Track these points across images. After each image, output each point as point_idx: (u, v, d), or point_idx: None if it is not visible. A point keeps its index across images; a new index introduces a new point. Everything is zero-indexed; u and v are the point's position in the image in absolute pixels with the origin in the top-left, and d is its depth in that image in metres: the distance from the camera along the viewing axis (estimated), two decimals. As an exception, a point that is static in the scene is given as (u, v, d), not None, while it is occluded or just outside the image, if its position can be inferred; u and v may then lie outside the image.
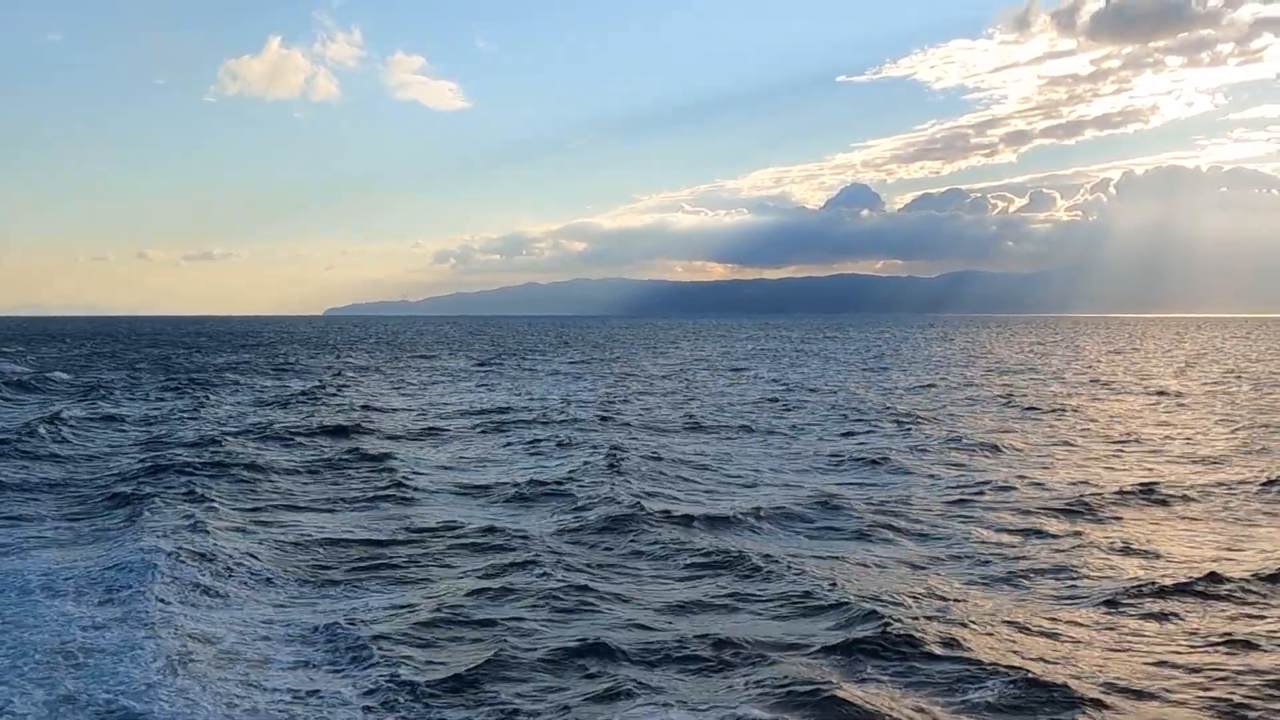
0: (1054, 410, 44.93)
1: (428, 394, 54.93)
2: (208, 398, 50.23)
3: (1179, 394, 53.54)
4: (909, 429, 37.93)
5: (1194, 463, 29.77)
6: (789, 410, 45.17)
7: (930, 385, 60.20)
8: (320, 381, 62.00)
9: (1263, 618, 14.93)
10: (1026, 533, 20.52)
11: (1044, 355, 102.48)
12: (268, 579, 17.10)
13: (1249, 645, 13.70)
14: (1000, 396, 51.56)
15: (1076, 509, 22.67)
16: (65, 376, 65.07)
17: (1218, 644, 13.77)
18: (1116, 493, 24.29)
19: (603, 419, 40.95)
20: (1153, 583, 16.48)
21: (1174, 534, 20.51)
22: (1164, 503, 23.38)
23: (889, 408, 45.77)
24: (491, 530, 20.56)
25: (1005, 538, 20.15)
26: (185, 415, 42.32)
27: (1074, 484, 25.82)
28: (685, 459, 30.28)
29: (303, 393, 53.67)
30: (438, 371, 75.54)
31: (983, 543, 19.83)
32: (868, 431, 37.52)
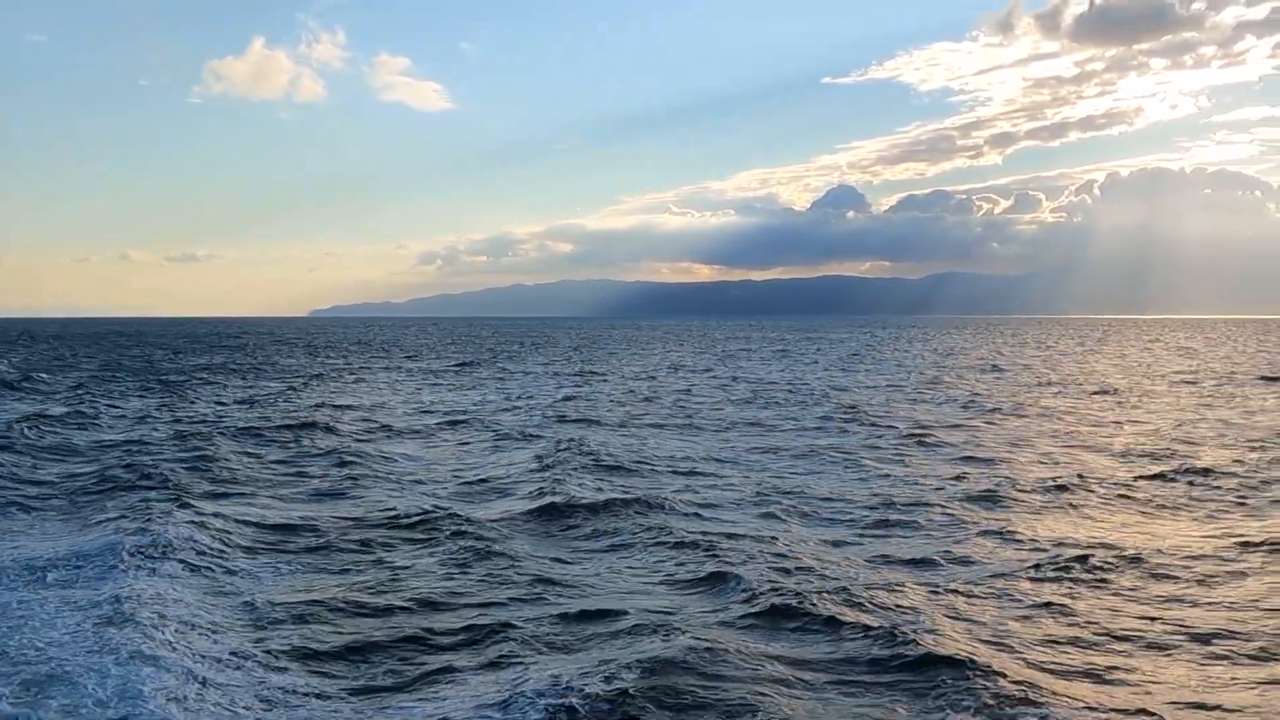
0: (994, 410, 46.61)
1: (394, 393, 56.32)
2: (181, 397, 51.57)
3: (1126, 392, 55.30)
4: (850, 423, 39.58)
5: (1112, 456, 31.40)
6: (742, 404, 46.75)
7: (891, 385, 61.89)
8: (289, 384, 63.29)
9: (1132, 595, 16.52)
10: (924, 514, 22.11)
11: (1006, 355, 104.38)
12: (214, 559, 18.50)
13: (1116, 613, 15.29)
14: (943, 391, 53.33)
15: (980, 498, 24.25)
16: (45, 377, 66.21)
17: (1102, 615, 15.32)
18: (1026, 485, 25.89)
19: (560, 418, 42.48)
20: (1037, 564, 18.10)
21: (1068, 521, 22.08)
22: (1065, 490, 24.96)
23: (841, 403, 47.39)
24: (426, 518, 22.01)
25: (899, 516, 21.73)
26: (158, 415, 43.63)
27: (988, 475, 27.42)
28: (631, 453, 31.75)
29: (273, 393, 55.07)
30: (407, 372, 76.90)
31: (879, 523, 21.43)
32: (816, 429, 39.10)
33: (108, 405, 47.23)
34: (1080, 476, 26.84)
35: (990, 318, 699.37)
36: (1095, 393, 55.32)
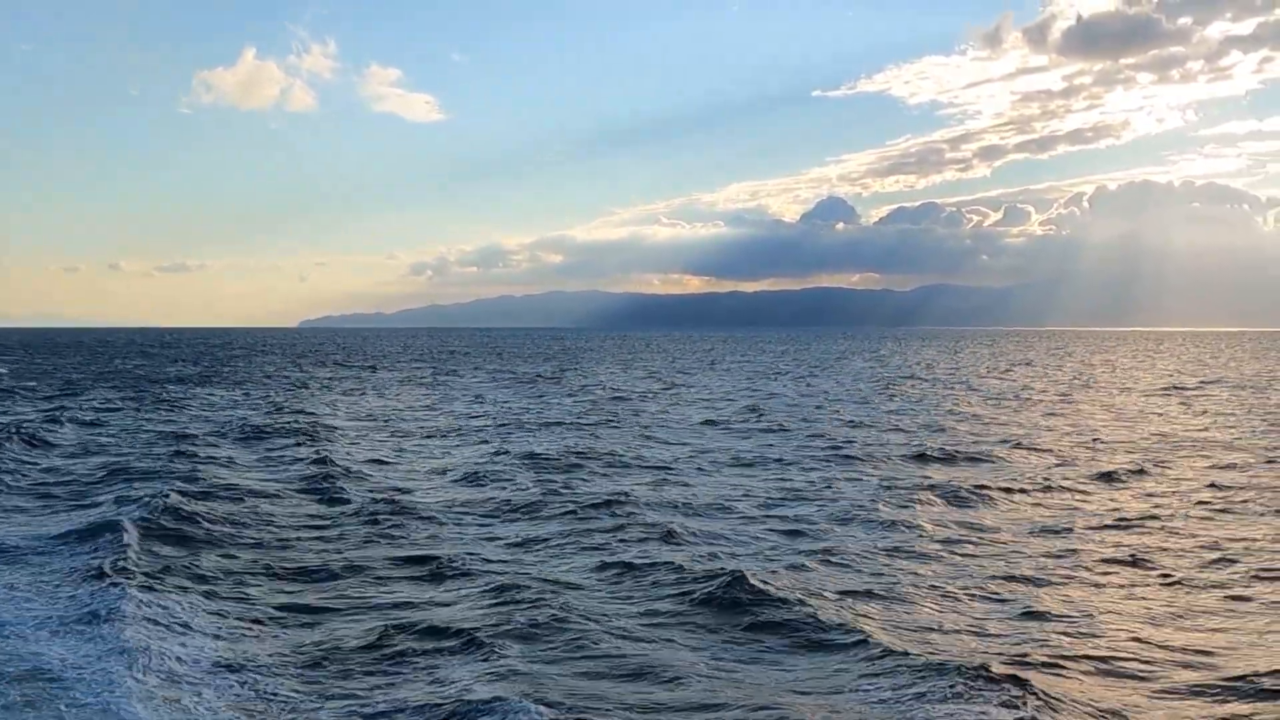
0: (928, 426, 48.44)
1: (364, 401, 57.91)
2: (165, 405, 53.31)
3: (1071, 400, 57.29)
4: (776, 432, 41.37)
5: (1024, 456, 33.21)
6: (684, 407, 48.58)
7: (833, 397, 63.73)
8: (269, 391, 64.90)
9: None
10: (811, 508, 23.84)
11: (949, 366, 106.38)
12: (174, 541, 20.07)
13: (1014, 580, 17.04)
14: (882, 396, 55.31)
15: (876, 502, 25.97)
16: (33, 385, 67.82)
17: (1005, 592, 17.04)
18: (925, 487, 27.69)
19: (500, 425, 44.23)
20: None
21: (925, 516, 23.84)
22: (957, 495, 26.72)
23: (774, 414, 49.19)
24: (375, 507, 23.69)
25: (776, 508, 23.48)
26: (144, 420, 45.25)
27: (882, 479, 29.17)
28: (564, 453, 33.39)
29: (257, 399, 56.70)
30: (373, 381, 78.51)
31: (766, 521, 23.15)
32: (743, 435, 40.86)
33: (92, 413, 48.73)
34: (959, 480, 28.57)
35: (979, 329, 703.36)
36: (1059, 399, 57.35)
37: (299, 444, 36.40)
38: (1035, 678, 12.65)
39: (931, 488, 26.99)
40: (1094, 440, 38.52)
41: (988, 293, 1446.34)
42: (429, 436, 40.04)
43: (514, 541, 21.14)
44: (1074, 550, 20.13)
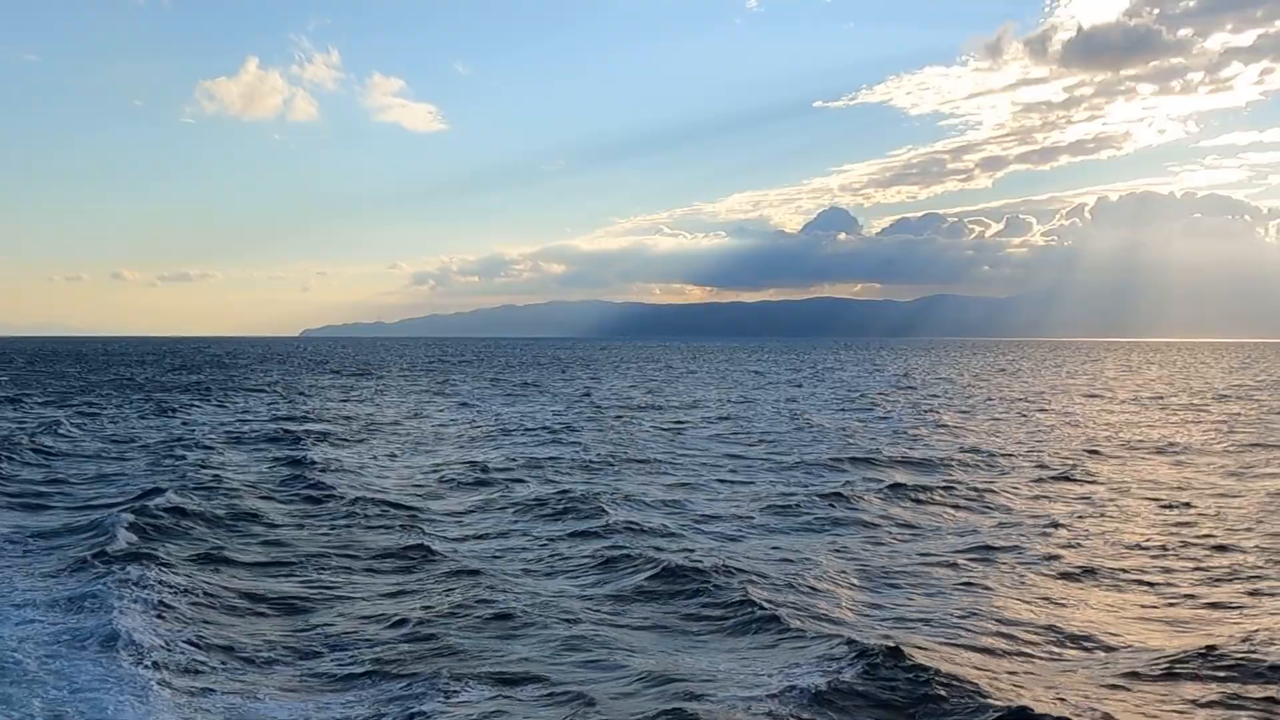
0: (901, 431, 50.01)
1: (353, 407, 59.56)
2: (172, 411, 55.13)
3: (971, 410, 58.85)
4: (740, 436, 42.99)
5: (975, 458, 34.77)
6: (657, 413, 50.22)
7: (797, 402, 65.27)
8: (270, 397, 66.58)
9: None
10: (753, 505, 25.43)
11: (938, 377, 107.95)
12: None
13: (927, 567, 18.56)
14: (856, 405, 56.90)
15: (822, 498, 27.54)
16: (36, 396, 69.45)
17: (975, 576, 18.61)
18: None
19: (477, 429, 45.85)
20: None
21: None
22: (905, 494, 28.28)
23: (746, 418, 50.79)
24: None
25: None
26: (150, 427, 46.91)
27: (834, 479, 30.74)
28: (524, 455, 35.04)
29: (252, 406, 58.32)
30: (362, 388, 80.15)
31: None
32: (710, 439, 42.45)
33: (95, 421, 50.36)
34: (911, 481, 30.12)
35: (979, 339, 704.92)
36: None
37: (287, 446, 38.15)
38: (918, 654, 14.19)
39: (870, 488, 28.60)
40: (1036, 446, 40.19)
41: (989, 303, 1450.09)
42: (409, 441, 41.69)
43: (477, 533, 22.80)
44: (986, 544, 21.74)
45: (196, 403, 62.99)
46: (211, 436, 42.08)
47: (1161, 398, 71.57)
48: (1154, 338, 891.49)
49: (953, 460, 35.49)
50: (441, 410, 58.84)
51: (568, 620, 16.21)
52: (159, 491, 26.86)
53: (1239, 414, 56.96)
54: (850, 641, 14.45)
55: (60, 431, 43.34)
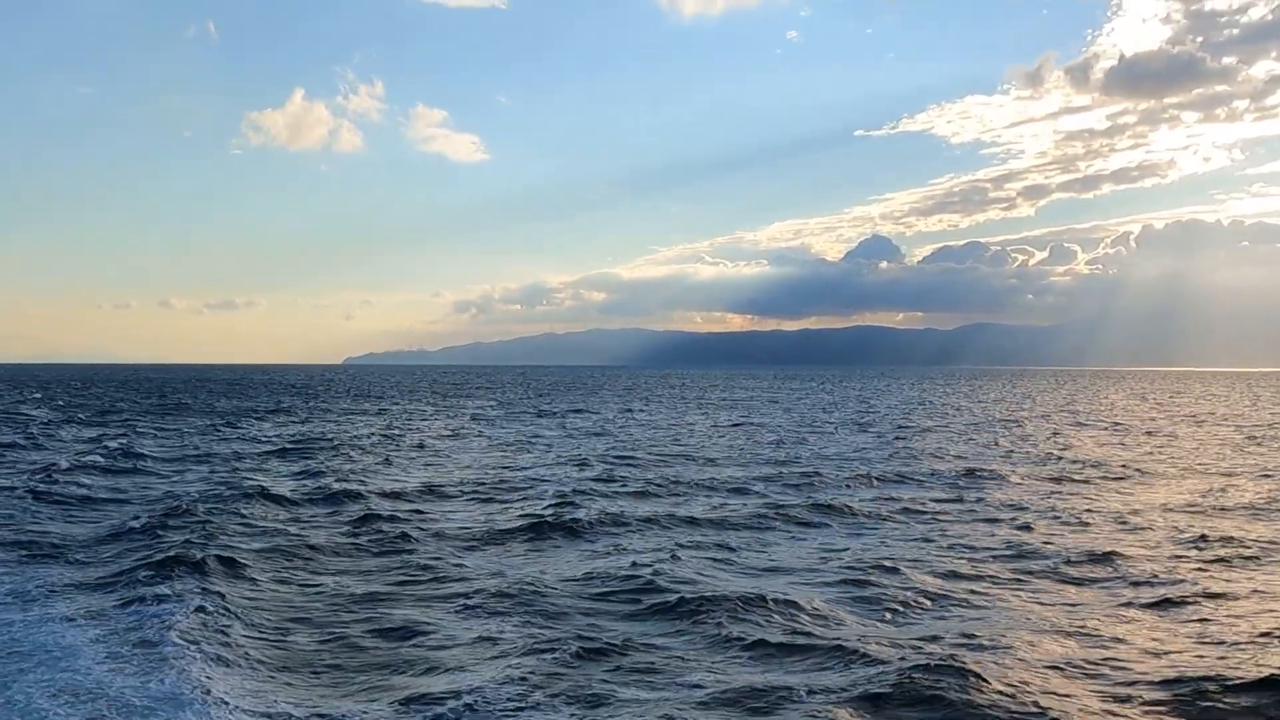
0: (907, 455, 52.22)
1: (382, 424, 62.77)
2: (224, 432, 58.60)
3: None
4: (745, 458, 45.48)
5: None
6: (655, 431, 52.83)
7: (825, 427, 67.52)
8: (305, 421, 69.99)
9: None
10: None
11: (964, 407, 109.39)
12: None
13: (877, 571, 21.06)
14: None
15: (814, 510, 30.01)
16: (84, 419, 73.43)
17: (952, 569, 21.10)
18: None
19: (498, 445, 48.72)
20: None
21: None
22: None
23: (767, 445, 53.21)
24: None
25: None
26: (203, 446, 50.35)
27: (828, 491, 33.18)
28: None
29: (291, 427, 61.74)
30: (395, 413, 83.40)
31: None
32: (708, 461, 44.98)
33: (150, 442, 53.82)
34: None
35: (1019, 369, 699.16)
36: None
37: (318, 463, 41.30)
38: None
39: (853, 501, 31.07)
40: (1029, 467, 42.37)
41: (1032, 331, 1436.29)
42: (429, 459, 44.65)
43: (473, 535, 25.55)
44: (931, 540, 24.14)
45: (244, 425, 66.37)
46: (255, 454, 45.18)
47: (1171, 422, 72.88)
48: (1200, 367, 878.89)
49: (961, 480, 37.74)
50: (472, 434, 61.67)
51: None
52: (213, 494, 29.84)
53: None
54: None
55: (119, 451, 46.68)
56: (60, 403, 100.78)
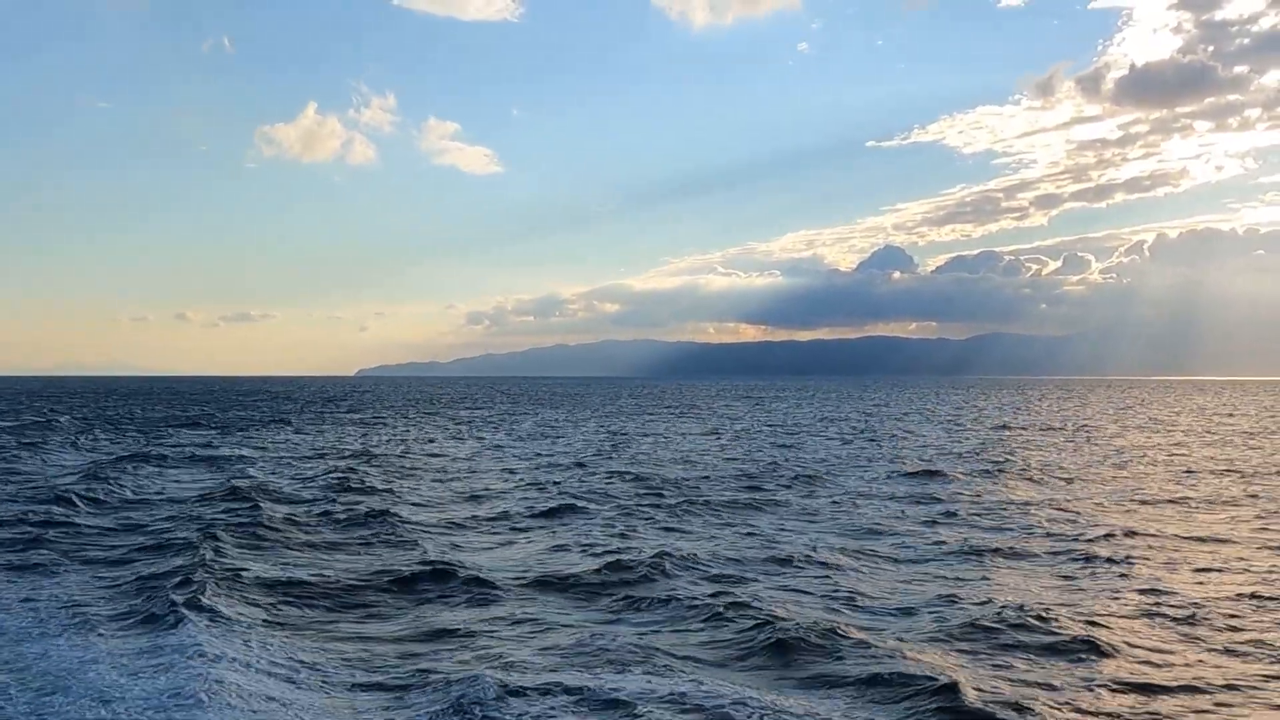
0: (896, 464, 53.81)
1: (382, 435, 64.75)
2: (240, 441, 60.67)
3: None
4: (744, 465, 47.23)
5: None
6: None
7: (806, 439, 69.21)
8: (317, 430, 72.03)
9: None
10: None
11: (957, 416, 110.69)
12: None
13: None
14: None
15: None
16: (105, 429, 75.64)
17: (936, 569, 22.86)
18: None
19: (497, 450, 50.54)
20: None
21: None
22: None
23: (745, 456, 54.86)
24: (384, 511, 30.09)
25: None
26: (218, 454, 52.42)
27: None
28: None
29: (305, 435, 63.76)
30: (400, 424, 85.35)
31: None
32: (696, 465, 46.73)
33: (167, 448, 55.82)
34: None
35: (1032, 379, 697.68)
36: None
37: (329, 468, 43.23)
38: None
39: (840, 498, 32.83)
40: (1001, 469, 44.17)
41: (1046, 341, 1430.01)
42: (428, 466, 46.54)
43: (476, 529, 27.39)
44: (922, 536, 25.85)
45: (260, 435, 68.39)
46: (272, 458, 47.12)
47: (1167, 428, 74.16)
48: (1215, 376, 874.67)
49: (957, 475, 39.49)
50: (467, 443, 63.53)
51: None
52: (229, 487, 31.69)
53: None
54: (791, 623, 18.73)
55: (135, 462, 48.66)
56: (80, 415, 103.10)
